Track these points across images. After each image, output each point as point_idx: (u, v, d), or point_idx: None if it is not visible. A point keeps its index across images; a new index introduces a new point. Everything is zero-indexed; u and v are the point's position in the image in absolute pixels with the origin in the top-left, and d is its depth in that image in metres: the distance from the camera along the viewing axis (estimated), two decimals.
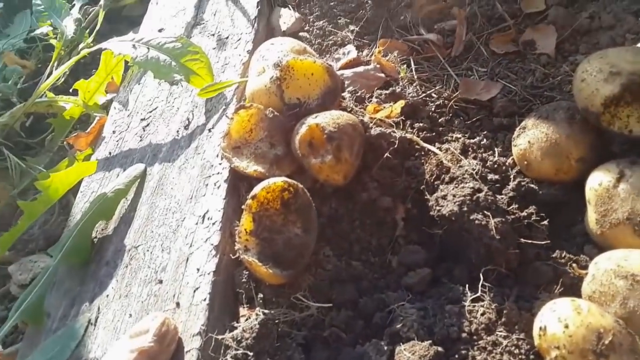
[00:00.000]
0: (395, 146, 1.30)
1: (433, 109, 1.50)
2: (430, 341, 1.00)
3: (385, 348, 1.02)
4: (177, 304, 1.11)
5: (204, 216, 1.24)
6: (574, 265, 1.10)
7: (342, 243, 1.25)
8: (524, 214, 1.19)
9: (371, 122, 1.37)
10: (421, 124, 1.43)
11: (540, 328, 0.95)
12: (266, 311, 1.06)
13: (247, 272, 1.14)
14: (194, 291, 1.12)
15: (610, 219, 1.10)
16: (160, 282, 1.17)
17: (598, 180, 1.13)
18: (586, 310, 0.92)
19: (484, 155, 1.35)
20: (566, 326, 0.91)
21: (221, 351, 1.01)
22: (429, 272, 1.18)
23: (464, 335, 1.02)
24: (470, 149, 1.37)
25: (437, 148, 1.36)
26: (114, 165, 1.51)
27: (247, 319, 1.06)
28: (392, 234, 1.27)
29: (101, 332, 1.16)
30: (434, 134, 1.43)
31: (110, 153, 1.56)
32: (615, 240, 1.10)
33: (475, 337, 1.01)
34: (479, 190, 1.19)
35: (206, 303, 1.08)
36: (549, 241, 1.15)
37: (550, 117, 1.26)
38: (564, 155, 1.22)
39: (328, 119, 1.23)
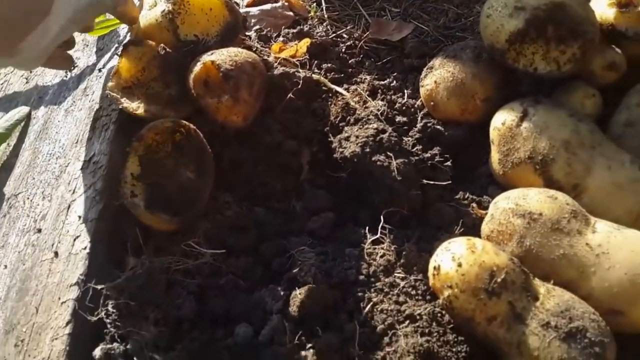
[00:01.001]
0: (300, 87, 1.24)
1: (343, 49, 1.44)
2: (326, 284, 0.96)
3: (282, 293, 0.98)
4: (55, 253, 1.03)
5: (89, 161, 1.14)
6: (474, 205, 1.08)
7: (244, 188, 1.19)
8: (428, 155, 1.16)
9: (276, 62, 1.29)
10: (330, 65, 1.37)
11: (434, 267, 0.92)
12: (154, 259, 0.99)
13: (136, 220, 1.06)
14: (74, 240, 1.03)
15: (512, 159, 1.08)
16: (39, 231, 1.08)
17: (502, 120, 1.11)
18: (480, 249, 0.90)
19: (394, 97, 1.30)
20: (459, 265, 0.88)
21: (101, 301, 0.94)
22: (332, 217, 1.14)
23: (361, 277, 0.98)
24: (379, 90, 1.32)
25: (345, 89, 1.30)
26: None
27: (132, 268, 0.99)
28: (298, 178, 1.22)
29: None
30: (342, 75, 1.37)
31: None
32: (516, 180, 1.09)
33: (373, 279, 0.98)
34: (383, 131, 1.15)
35: (86, 252, 1.01)
36: (450, 182, 1.13)
37: (458, 56, 1.22)
38: (469, 95, 1.18)
39: (225, 56, 1.15)
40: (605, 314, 0.88)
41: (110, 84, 1.18)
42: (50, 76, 1.38)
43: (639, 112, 1.09)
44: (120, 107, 1.16)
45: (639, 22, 1.17)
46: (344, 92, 1.28)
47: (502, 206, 0.99)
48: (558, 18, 1.08)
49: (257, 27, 1.46)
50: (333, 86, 1.29)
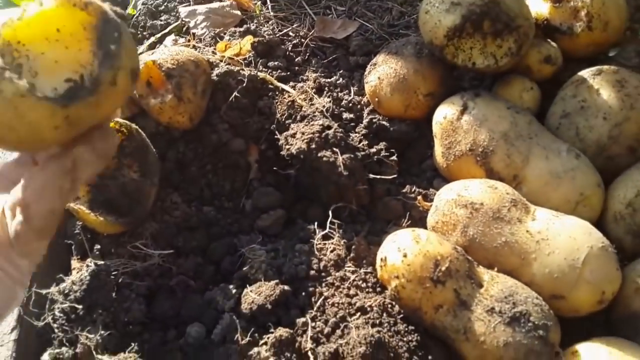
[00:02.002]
0: (245, 85, 1.23)
1: (290, 48, 1.44)
2: (277, 280, 0.97)
3: (234, 292, 0.98)
4: None
5: None
6: (420, 198, 1.11)
7: (192, 188, 1.19)
8: (374, 150, 1.18)
9: (221, 61, 1.29)
10: (276, 63, 1.38)
11: (381, 259, 0.94)
12: (99, 262, 0.97)
13: (80, 223, 1.04)
14: None
15: (454, 152, 1.11)
16: None
17: (443, 114, 1.14)
18: (425, 239, 0.92)
19: (340, 94, 1.31)
20: (405, 255, 0.90)
21: (46, 306, 0.92)
22: (282, 214, 1.14)
23: (312, 272, 0.99)
24: (325, 88, 1.33)
25: (292, 87, 1.31)
26: None
27: (79, 272, 0.97)
28: (247, 176, 1.22)
29: None
30: (289, 73, 1.38)
31: None
32: (459, 172, 1.12)
33: (323, 273, 0.99)
34: (329, 127, 1.16)
35: None
36: (396, 175, 1.15)
37: (399, 53, 1.24)
38: (412, 90, 1.20)
39: (166, 55, 1.14)
40: (548, 298, 0.91)
41: None
42: None
43: (574, 103, 1.13)
44: None
45: (572, 16, 1.22)
46: (290, 90, 1.29)
47: (445, 197, 1.02)
48: (493, 13, 1.11)
49: (204, 24, 1.45)
50: (279, 84, 1.30)
